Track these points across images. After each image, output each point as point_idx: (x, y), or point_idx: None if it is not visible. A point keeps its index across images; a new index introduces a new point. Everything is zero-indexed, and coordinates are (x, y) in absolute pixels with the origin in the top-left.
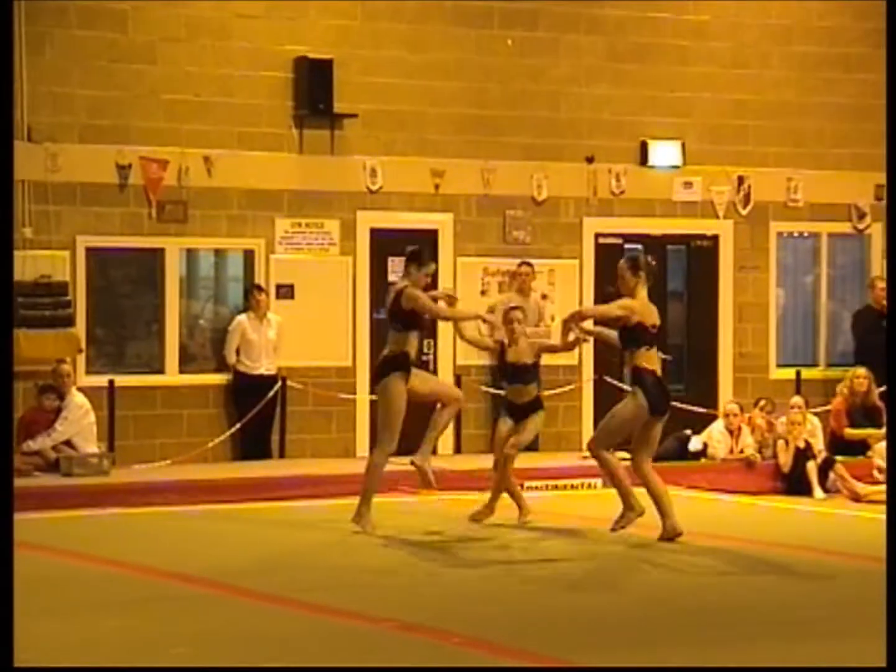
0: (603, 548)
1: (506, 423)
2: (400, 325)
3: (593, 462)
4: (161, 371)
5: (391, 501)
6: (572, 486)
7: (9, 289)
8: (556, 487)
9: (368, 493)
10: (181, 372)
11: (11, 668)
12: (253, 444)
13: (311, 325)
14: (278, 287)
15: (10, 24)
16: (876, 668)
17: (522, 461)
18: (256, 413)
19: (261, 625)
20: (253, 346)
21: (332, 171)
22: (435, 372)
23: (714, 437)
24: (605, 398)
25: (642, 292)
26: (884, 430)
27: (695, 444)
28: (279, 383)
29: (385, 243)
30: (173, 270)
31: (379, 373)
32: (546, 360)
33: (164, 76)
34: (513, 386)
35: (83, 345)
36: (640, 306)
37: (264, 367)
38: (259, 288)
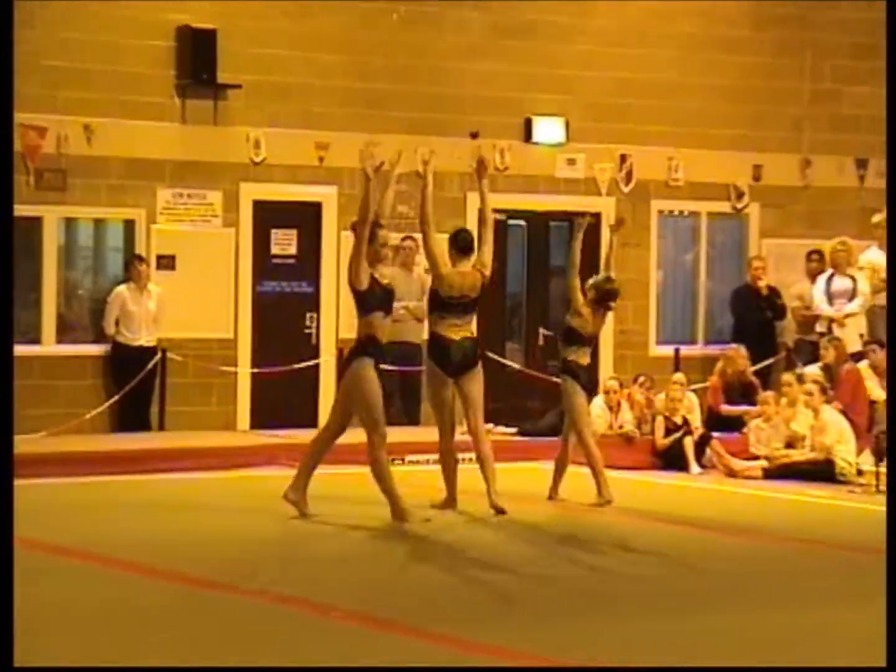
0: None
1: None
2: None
3: None
4: (38, 341)
5: (272, 475)
6: None
7: (9, 288)
8: (436, 462)
9: (389, 494)
10: (58, 342)
11: (11, 668)
12: (132, 417)
13: (193, 296)
14: (159, 258)
15: (9, 25)
16: (876, 668)
17: (404, 435)
18: (135, 385)
19: (129, 594)
20: (133, 318)
21: (215, 142)
22: (317, 345)
23: (594, 413)
24: (489, 374)
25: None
26: (761, 407)
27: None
28: (159, 355)
29: (268, 215)
30: (51, 239)
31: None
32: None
33: (44, 41)
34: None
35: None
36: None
37: (144, 339)
38: (139, 258)
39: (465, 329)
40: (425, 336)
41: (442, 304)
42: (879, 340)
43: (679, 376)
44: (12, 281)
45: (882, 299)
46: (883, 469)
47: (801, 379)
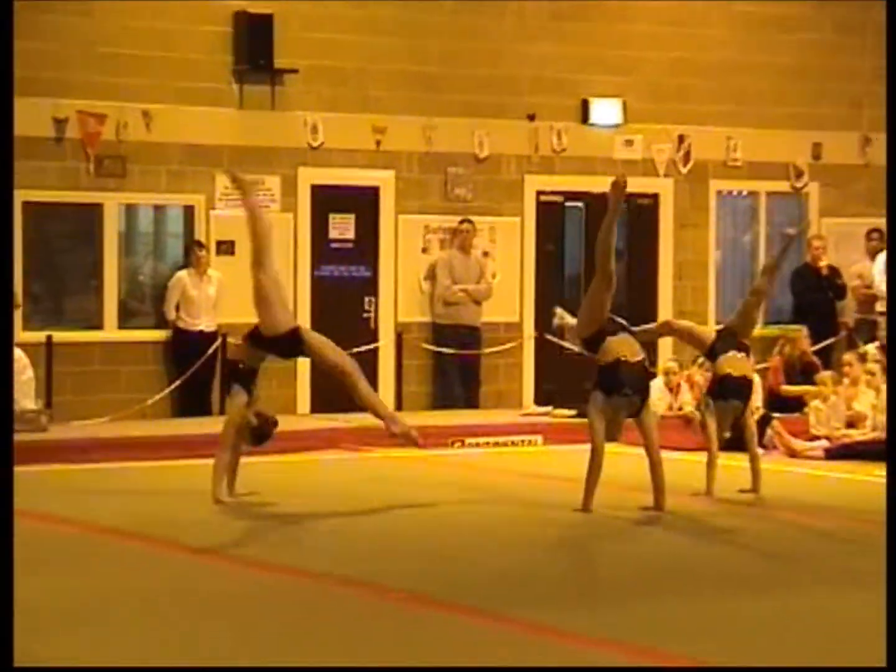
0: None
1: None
2: None
3: (533, 419)
4: (100, 327)
5: (335, 458)
6: (513, 443)
7: (9, 288)
8: (497, 444)
9: None
10: (120, 328)
11: (11, 669)
12: (193, 402)
13: (251, 282)
14: (219, 243)
15: (9, 27)
16: (875, 668)
17: (463, 418)
18: (196, 370)
19: (199, 581)
20: (193, 303)
21: (272, 127)
22: (376, 329)
23: (654, 395)
24: (546, 356)
25: None
26: (818, 388)
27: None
28: (219, 340)
29: (326, 200)
30: (112, 226)
31: None
32: (486, 317)
33: (102, 29)
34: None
35: (20, 300)
36: None
37: (204, 324)
38: (199, 244)
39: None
40: (484, 319)
41: None
42: None
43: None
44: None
45: None
46: None
47: (863, 358)
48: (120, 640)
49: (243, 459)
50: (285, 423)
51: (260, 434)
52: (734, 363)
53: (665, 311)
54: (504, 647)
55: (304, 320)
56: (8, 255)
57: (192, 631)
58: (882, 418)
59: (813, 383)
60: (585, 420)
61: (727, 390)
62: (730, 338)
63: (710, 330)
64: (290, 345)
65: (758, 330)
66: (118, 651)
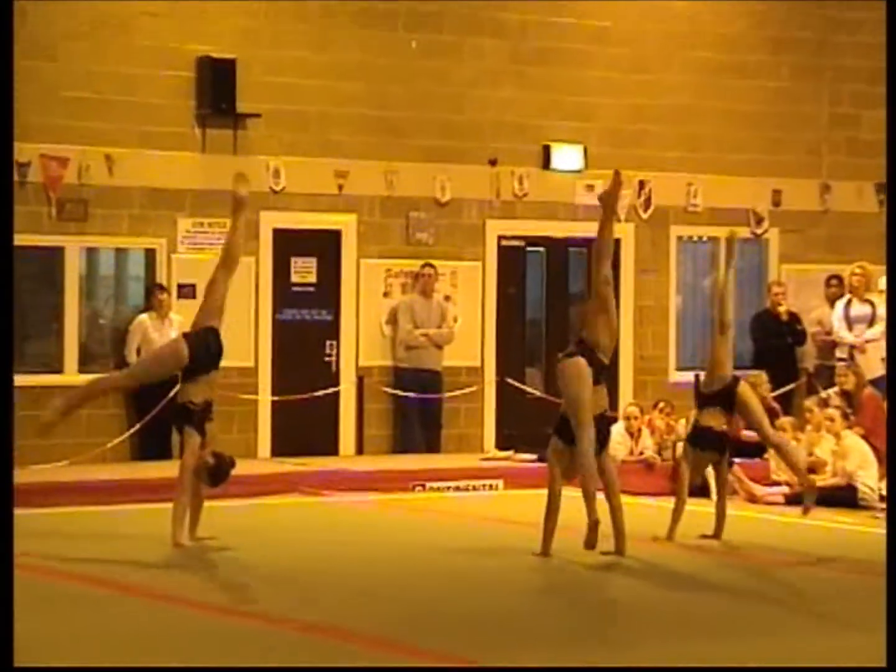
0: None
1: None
2: None
3: (494, 464)
4: (60, 370)
5: (294, 502)
6: (474, 488)
7: (9, 290)
8: (457, 489)
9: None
10: (80, 371)
11: (11, 669)
12: (153, 445)
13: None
14: (180, 287)
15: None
16: (875, 668)
17: (424, 462)
18: (156, 413)
19: (158, 623)
20: (154, 346)
21: (234, 171)
22: (337, 373)
23: (614, 439)
24: (507, 400)
25: None
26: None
27: None
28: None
29: (288, 244)
30: (73, 269)
31: None
32: (448, 361)
33: (65, 72)
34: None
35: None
36: None
37: None
38: (161, 287)
39: None
40: (445, 363)
41: None
42: None
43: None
44: (12, 307)
45: None
46: None
47: (824, 404)
48: None
49: (206, 503)
50: (246, 467)
51: (216, 474)
52: (717, 417)
53: (626, 357)
54: None
55: (265, 363)
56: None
57: None
58: (842, 464)
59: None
60: (535, 464)
61: (706, 442)
62: (723, 395)
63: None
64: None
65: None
66: None
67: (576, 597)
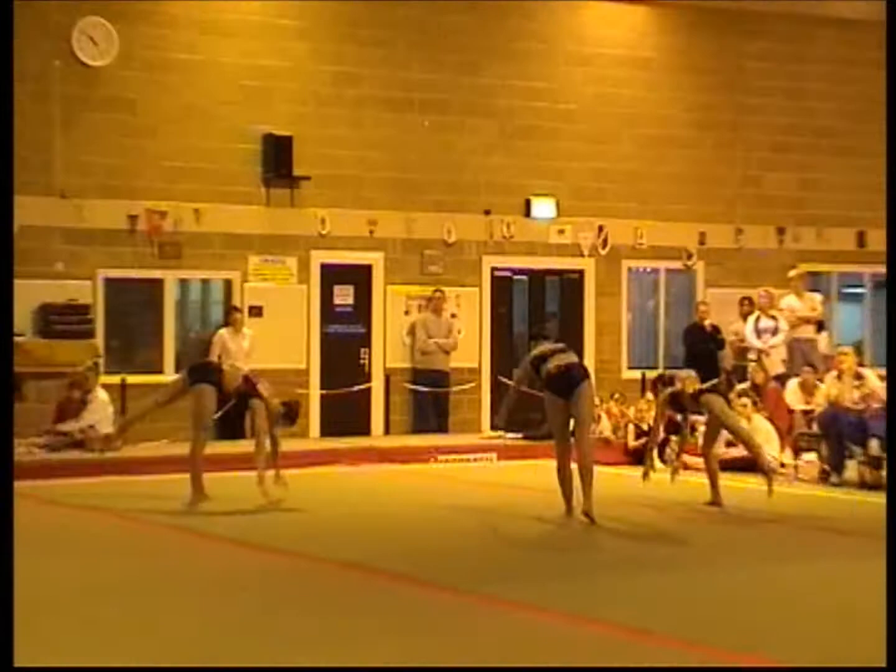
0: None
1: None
2: None
3: (489, 441)
4: (161, 372)
5: (337, 471)
6: (473, 459)
7: (9, 294)
8: (461, 460)
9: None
10: (176, 372)
11: (11, 668)
12: (231, 428)
13: (276, 337)
14: (250, 308)
15: (9, 34)
16: (875, 668)
17: (435, 440)
18: (234, 404)
19: (227, 564)
20: (230, 353)
21: (291, 220)
22: (369, 373)
23: None
24: (499, 393)
25: None
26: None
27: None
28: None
29: (332, 275)
30: (170, 295)
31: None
32: (453, 363)
33: (164, 148)
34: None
35: (101, 352)
36: None
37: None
38: (236, 308)
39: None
40: (451, 365)
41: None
42: (812, 364)
43: (649, 395)
44: (12, 287)
45: (798, 333)
46: (800, 462)
47: (740, 395)
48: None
49: (268, 473)
50: (300, 444)
51: (289, 414)
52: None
53: (589, 360)
54: (461, 617)
55: (314, 366)
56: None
57: (226, 599)
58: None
59: (699, 413)
60: (530, 442)
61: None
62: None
63: None
64: None
65: (658, 373)
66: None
67: (555, 542)
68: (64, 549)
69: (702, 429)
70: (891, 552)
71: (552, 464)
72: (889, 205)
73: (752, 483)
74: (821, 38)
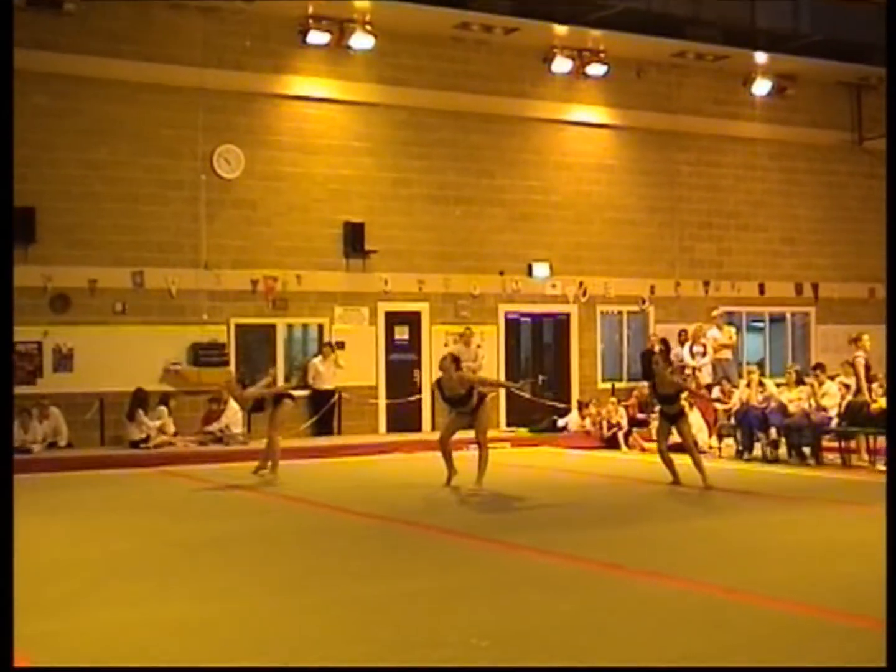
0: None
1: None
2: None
3: (505, 434)
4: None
5: (399, 458)
6: (494, 447)
7: (9, 300)
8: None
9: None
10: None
11: (11, 669)
12: (323, 428)
13: (355, 362)
14: (336, 343)
15: (9, 39)
16: (875, 668)
17: (468, 434)
18: (325, 410)
19: (294, 520)
20: (322, 375)
21: (364, 281)
22: (420, 387)
23: (570, 420)
24: (511, 400)
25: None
26: (654, 415)
27: (560, 423)
28: (337, 395)
29: (393, 319)
30: (281, 336)
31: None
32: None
33: (276, 233)
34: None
35: (233, 377)
36: None
37: (328, 386)
38: (328, 344)
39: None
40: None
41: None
42: (728, 378)
43: (613, 400)
44: (12, 293)
45: (719, 355)
46: (722, 445)
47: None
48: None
49: (346, 459)
50: (371, 438)
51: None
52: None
53: (574, 375)
54: (483, 556)
55: (381, 382)
56: (8, 278)
57: (325, 543)
58: (687, 429)
59: (652, 412)
60: (528, 434)
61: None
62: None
63: None
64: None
65: (623, 384)
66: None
67: (563, 502)
68: (209, 513)
69: (653, 423)
70: (891, 552)
71: (553, 450)
72: (889, 217)
73: (687, 462)
74: (730, 150)
